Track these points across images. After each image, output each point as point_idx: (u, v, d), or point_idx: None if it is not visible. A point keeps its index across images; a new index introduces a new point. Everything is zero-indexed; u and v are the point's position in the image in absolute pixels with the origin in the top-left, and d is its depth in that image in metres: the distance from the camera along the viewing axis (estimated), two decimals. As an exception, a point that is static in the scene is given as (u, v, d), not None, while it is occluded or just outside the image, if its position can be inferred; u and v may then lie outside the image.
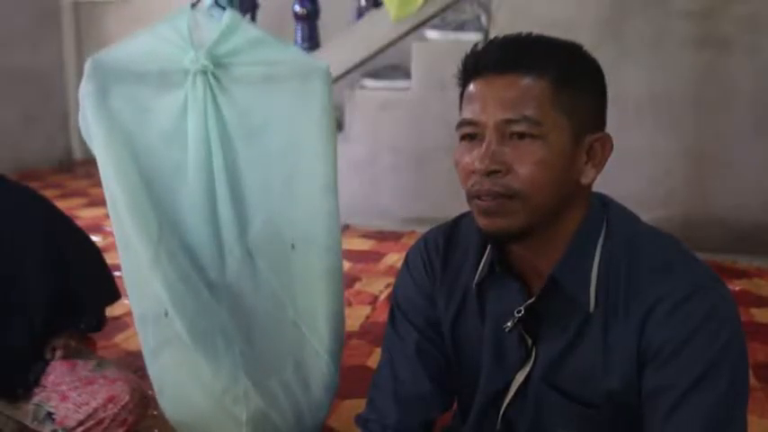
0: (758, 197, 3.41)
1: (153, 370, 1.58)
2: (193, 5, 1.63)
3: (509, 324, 0.98)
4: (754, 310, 2.78)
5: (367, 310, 2.80)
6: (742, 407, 0.90)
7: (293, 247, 1.65)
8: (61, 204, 2.51)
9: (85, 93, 1.50)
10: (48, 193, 2.54)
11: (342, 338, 1.69)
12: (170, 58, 1.57)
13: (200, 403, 1.52)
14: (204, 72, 1.56)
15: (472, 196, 0.92)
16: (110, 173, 1.49)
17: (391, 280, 3.13)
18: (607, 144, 0.94)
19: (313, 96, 1.65)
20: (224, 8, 1.62)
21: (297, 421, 1.58)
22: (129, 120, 1.53)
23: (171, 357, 1.53)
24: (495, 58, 0.90)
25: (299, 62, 1.70)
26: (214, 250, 1.59)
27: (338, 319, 1.67)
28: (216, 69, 1.57)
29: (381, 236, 3.82)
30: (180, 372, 1.52)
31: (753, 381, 2.19)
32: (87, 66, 1.51)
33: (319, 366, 1.64)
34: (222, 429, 1.52)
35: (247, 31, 1.62)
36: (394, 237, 3.82)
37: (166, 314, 1.47)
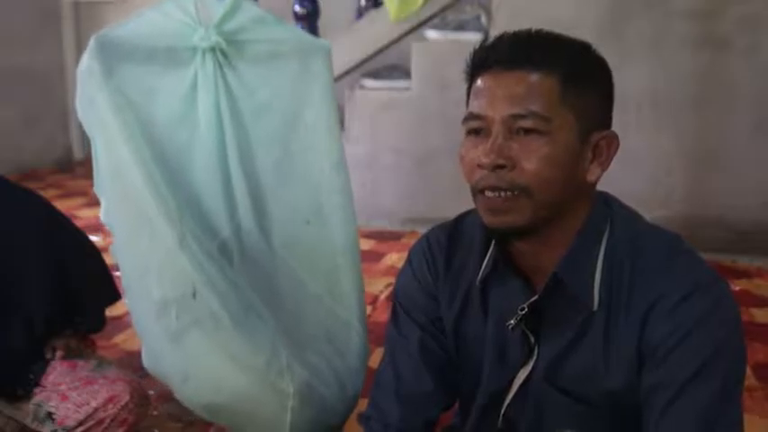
0: (758, 197, 3.41)
1: (175, 356, 1.53)
2: None
3: (512, 322, 0.98)
4: (754, 310, 2.78)
5: (367, 310, 2.79)
6: (737, 405, 0.90)
7: (308, 222, 1.66)
8: (61, 204, 2.51)
9: (89, 71, 1.46)
10: (48, 193, 2.54)
11: (365, 307, 1.73)
12: (177, 36, 1.55)
13: (238, 381, 1.48)
14: (213, 49, 1.55)
15: (477, 191, 0.92)
16: (123, 152, 1.45)
17: (392, 280, 3.13)
18: (613, 142, 0.94)
19: (316, 74, 1.66)
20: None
21: (340, 389, 1.58)
22: (137, 98, 1.50)
23: (200, 338, 1.49)
24: (505, 54, 0.90)
25: (301, 40, 1.71)
26: (230, 229, 1.58)
27: (360, 289, 1.70)
28: (225, 46, 1.56)
29: (381, 236, 3.82)
30: (212, 351, 1.49)
31: (753, 381, 2.19)
32: (92, 43, 1.46)
33: (350, 335, 1.66)
34: (266, 404, 1.50)
35: (250, 9, 1.62)
36: (394, 237, 3.82)
37: (194, 295, 1.44)
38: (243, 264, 1.58)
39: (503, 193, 0.89)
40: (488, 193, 0.90)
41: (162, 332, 1.53)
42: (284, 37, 1.67)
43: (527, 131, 0.88)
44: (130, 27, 1.56)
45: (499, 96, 0.89)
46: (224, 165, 1.59)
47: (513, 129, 0.89)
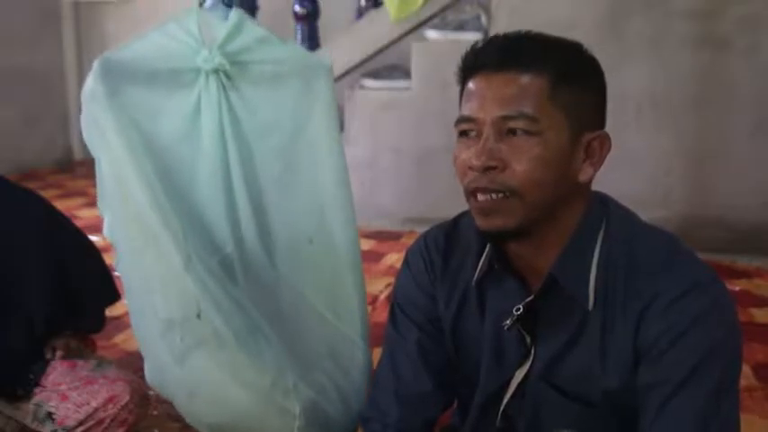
0: (758, 197, 3.41)
1: (180, 375, 1.54)
2: (201, 4, 1.63)
3: (508, 322, 0.99)
4: (754, 310, 2.78)
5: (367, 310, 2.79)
6: (733, 404, 0.90)
7: (311, 241, 1.67)
8: (61, 204, 2.50)
9: (94, 94, 1.47)
10: (48, 194, 2.54)
11: (368, 322, 1.74)
12: (181, 58, 1.56)
13: (244, 401, 1.49)
14: (216, 71, 1.56)
15: (469, 193, 0.93)
16: (128, 172, 1.46)
17: (391, 280, 3.12)
18: (605, 143, 0.94)
19: (317, 92, 1.68)
20: (229, 6, 1.62)
21: (344, 407, 1.60)
22: (141, 119, 1.51)
23: (205, 358, 1.50)
24: (495, 56, 0.91)
25: (302, 59, 1.73)
26: (234, 249, 1.59)
27: (363, 305, 1.72)
28: (228, 68, 1.57)
29: (381, 236, 3.82)
30: (217, 372, 1.49)
31: (753, 381, 2.19)
32: (96, 66, 1.48)
33: (354, 352, 1.68)
34: (272, 424, 1.50)
35: (253, 29, 1.64)
36: (394, 237, 3.82)
37: (198, 315, 1.45)
38: (246, 282, 1.59)
39: (493, 195, 0.90)
40: (480, 196, 0.91)
41: (167, 350, 1.54)
42: (286, 56, 1.69)
43: (517, 132, 0.88)
44: (134, 49, 1.57)
45: (489, 98, 0.90)
46: (227, 184, 1.60)
47: (504, 130, 0.89)
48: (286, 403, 1.48)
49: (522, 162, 0.88)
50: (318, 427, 1.52)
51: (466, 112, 0.93)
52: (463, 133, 0.93)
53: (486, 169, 0.89)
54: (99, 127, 1.48)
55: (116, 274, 1.75)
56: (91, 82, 1.48)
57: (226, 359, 1.48)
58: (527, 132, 0.88)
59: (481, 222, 0.93)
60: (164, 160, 1.52)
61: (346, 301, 1.69)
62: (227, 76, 1.58)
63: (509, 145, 0.89)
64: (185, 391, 1.56)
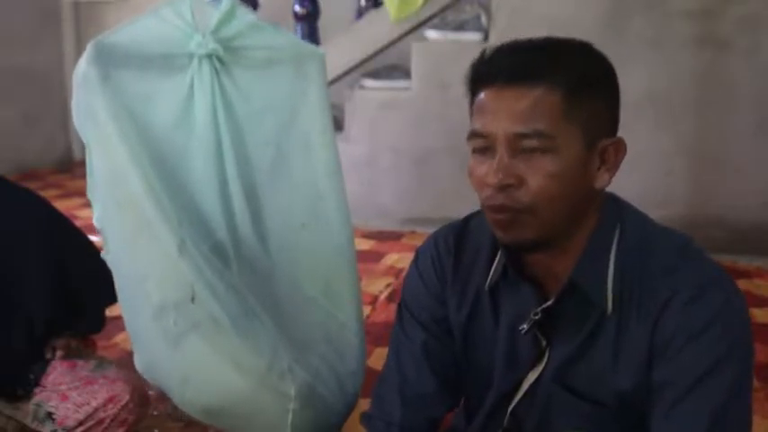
0: (758, 197, 3.41)
1: (174, 360, 1.54)
2: None
3: (525, 326, 0.98)
4: (755, 310, 2.78)
5: (367, 310, 2.79)
6: (747, 402, 0.90)
7: (303, 225, 1.67)
8: (61, 204, 2.50)
9: (87, 77, 1.46)
10: (48, 193, 2.53)
11: (362, 308, 1.75)
12: (174, 42, 1.56)
13: (239, 384, 1.49)
14: (209, 56, 1.56)
15: (485, 208, 0.92)
16: (121, 157, 1.45)
17: (391, 280, 3.12)
18: (620, 148, 0.93)
19: (310, 80, 1.69)
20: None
21: (340, 391, 1.60)
22: (134, 103, 1.51)
23: (200, 342, 1.49)
24: (505, 68, 0.88)
25: (296, 47, 1.73)
26: (228, 233, 1.59)
27: (356, 290, 1.72)
28: (222, 53, 1.57)
29: (381, 236, 3.82)
30: (212, 355, 1.49)
31: (754, 381, 2.19)
32: (89, 49, 1.47)
33: (348, 337, 1.67)
34: (267, 407, 1.50)
35: (245, 15, 1.63)
36: (394, 237, 3.81)
37: (193, 299, 1.45)
38: (239, 266, 1.59)
39: (510, 213, 0.88)
40: (497, 212, 0.90)
41: (160, 336, 1.53)
42: (279, 43, 1.68)
43: (532, 150, 0.87)
44: (127, 32, 1.56)
45: (502, 113, 0.88)
46: (220, 169, 1.60)
47: (518, 147, 0.87)
48: (282, 386, 1.47)
49: (538, 178, 0.87)
50: (313, 409, 1.52)
51: (478, 127, 0.90)
52: (477, 149, 0.92)
53: (503, 187, 0.88)
54: (91, 112, 1.47)
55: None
56: (83, 65, 1.47)
57: (221, 342, 1.47)
58: (542, 150, 0.87)
59: (501, 235, 0.92)
60: (157, 145, 1.52)
61: (340, 285, 1.69)
62: (220, 62, 1.58)
63: (524, 161, 0.87)
64: (179, 377, 1.56)
